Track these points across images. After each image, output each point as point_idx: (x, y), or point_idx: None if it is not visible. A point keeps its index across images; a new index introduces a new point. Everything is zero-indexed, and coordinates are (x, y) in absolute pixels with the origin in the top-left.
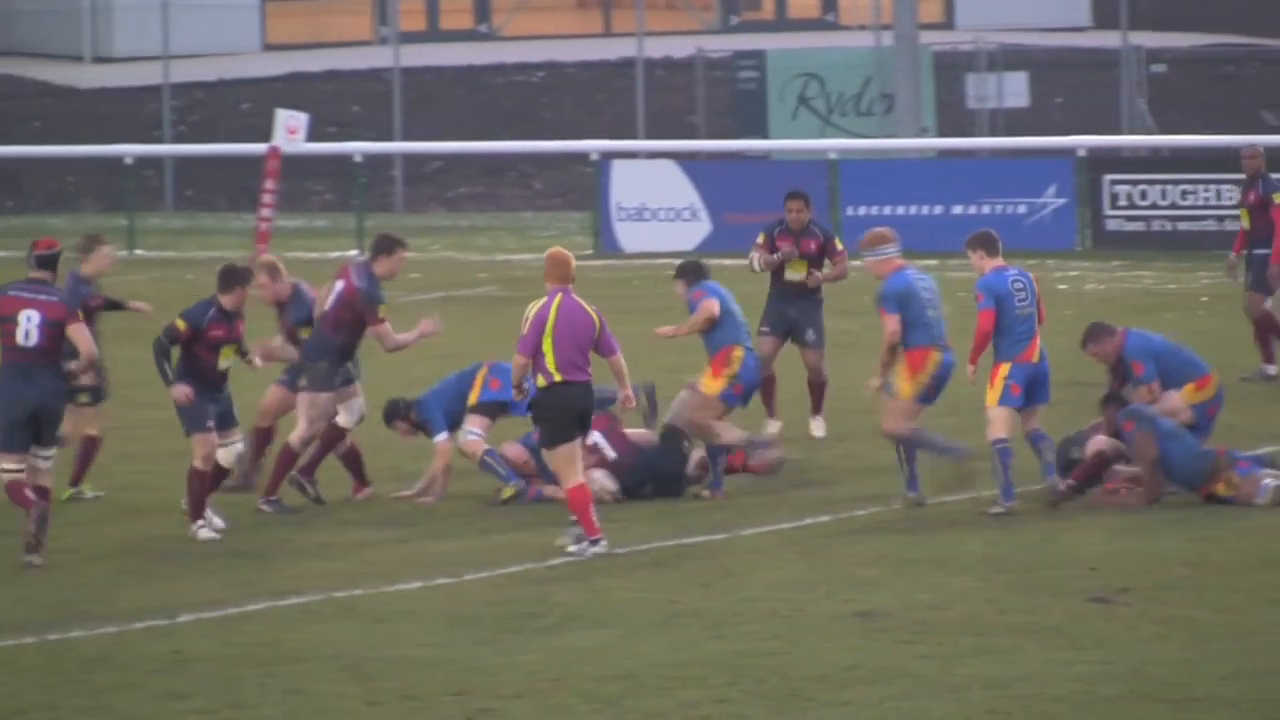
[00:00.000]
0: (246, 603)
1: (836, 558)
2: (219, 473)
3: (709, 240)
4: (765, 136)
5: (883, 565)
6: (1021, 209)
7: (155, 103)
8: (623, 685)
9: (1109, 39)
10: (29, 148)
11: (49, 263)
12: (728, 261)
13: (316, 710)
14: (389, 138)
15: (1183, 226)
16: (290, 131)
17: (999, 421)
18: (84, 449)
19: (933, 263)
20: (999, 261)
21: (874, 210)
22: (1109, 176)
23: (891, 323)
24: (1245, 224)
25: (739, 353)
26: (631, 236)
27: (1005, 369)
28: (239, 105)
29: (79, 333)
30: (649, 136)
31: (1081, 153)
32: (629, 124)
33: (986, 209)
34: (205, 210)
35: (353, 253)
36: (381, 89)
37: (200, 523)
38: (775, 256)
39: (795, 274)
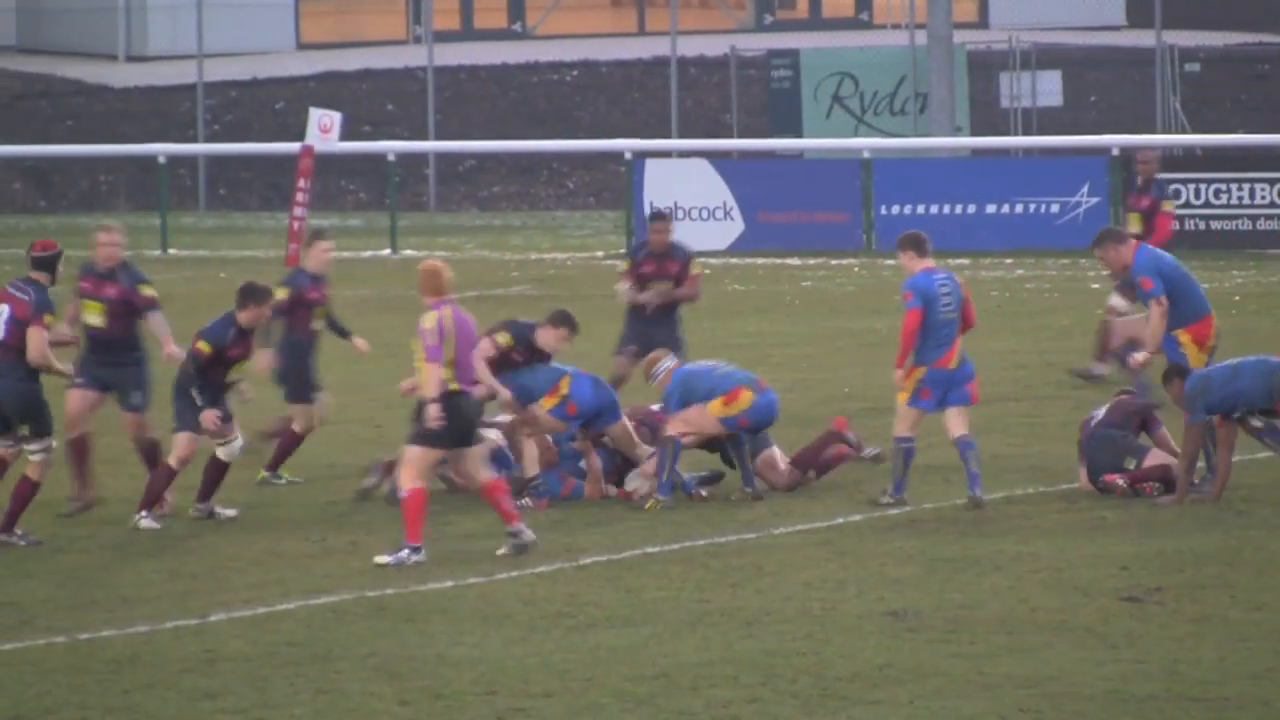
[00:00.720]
0: (278, 602)
1: (868, 557)
2: (220, 468)
3: (742, 240)
4: (799, 135)
5: (915, 564)
6: (1055, 208)
7: (189, 101)
8: (654, 684)
9: (1143, 38)
10: (62, 147)
11: (43, 264)
12: (760, 261)
13: (347, 709)
14: (423, 136)
15: (1216, 225)
16: (324, 130)
17: (905, 420)
18: (285, 438)
19: (965, 262)
20: (929, 263)
21: (908, 209)
22: None
23: (672, 425)
24: (1136, 228)
25: (566, 379)
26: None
27: (920, 373)
28: (273, 104)
29: (33, 335)
30: (682, 135)
31: (1115, 152)
32: (663, 123)
33: (1020, 208)
34: (238, 209)
35: (385, 252)
36: (415, 88)
37: (144, 513)
38: (643, 298)
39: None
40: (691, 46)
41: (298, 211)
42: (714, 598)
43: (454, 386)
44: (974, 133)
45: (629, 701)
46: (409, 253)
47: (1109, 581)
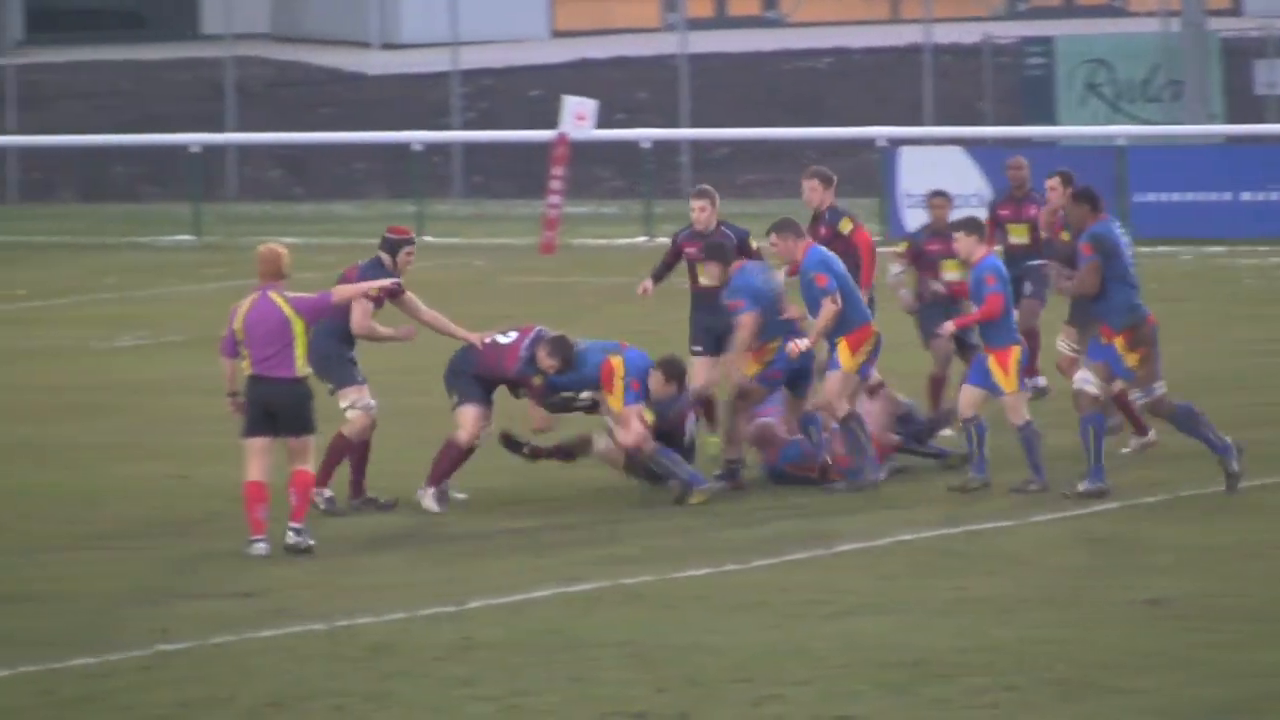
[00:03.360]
0: (534, 589)
1: (1123, 544)
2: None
3: None
4: (1053, 123)
5: (1170, 552)
6: None
7: (443, 89)
8: (909, 672)
9: None
10: (318, 134)
11: (386, 246)
12: None
13: (603, 696)
14: (676, 124)
15: None
16: (578, 118)
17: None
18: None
19: (1220, 250)
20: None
21: (1162, 197)
22: None
23: (631, 437)
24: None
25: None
26: (919, 222)
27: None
28: (527, 92)
29: (354, 308)
30: (936, 123)
31: None
32: (916, 110)
33: (1275, 195)
34: (493, 197)
35: (640, 240)
36: (668, 75)
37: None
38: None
39: (708, 279)
40: (945, 34)
41: (552, 199)
42: (969, 585)
43: (249, 371)
44: (1228, 120)
45: (884, 689)
46: (663, 240)
47: None
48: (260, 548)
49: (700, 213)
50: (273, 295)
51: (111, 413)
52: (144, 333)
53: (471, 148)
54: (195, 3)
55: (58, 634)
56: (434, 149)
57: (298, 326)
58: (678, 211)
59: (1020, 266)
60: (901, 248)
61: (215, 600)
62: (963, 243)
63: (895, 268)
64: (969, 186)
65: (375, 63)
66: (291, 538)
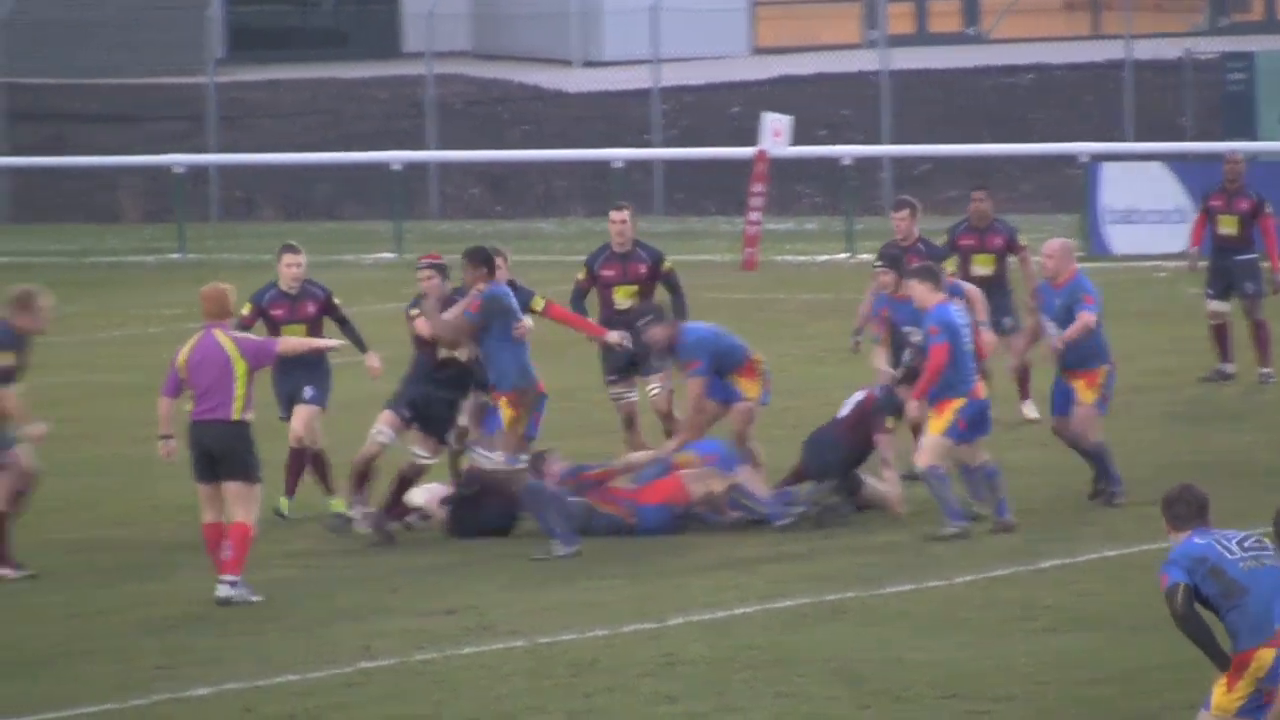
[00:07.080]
0: (736, 606)
1: None
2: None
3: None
4: (1253, 138)
5: None
6: None
7: (644, 107)
8: (1113, 688)
9: None
10: (519, 152)
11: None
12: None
13: (807, 713)
14: (877, 140)
15: None
16: (775, 134)
17: (936, 451)
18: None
19: None
20: (942, 296)
21: None
22: None
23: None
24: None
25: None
26: (1121, 239)
27: (959, 403)
28: (728, 109)
29: None
30: (1138, 138)
31: None
32: (1117, 126)
33: None
34: (694, 214)
35: (840, 256)
36: (870, 92)
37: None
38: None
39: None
40: (1145, 49)
41: (753, 216)
42: None
43: (190, 416)
44: None
45: (1087, 705)
46: (865, 257)
47: None
48: (223, 589)
49: (623, 231)
50: (217, 334)
51: None
52: (343, 351)
53: (672, 165)
54: (397, 21)
55: (262, 651)
56: (635, 166)
57: (240, 368)
58: (879, 228)
59: (1229, 259)
60: (941, 240)
61: (418, 617)
62: (916, 290)
63: None
64: (1169, 202)
65: (576, 80)
66: (223, 590)
